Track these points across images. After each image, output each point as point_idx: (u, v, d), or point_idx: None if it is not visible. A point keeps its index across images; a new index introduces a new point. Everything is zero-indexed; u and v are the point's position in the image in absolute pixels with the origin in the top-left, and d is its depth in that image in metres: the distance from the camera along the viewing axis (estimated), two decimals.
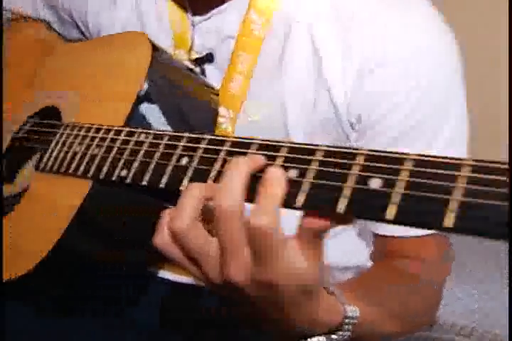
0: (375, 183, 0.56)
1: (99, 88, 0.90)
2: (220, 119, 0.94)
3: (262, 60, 0.93)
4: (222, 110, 0.94)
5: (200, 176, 0.68)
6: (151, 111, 0.85)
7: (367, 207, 0.55)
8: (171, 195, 0.72)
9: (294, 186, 0.60)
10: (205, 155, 0.69)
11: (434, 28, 0.90)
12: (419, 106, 0.88)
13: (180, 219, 0.62)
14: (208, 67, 0.99)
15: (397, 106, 0.88)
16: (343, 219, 0.59)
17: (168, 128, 0.85)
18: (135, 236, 0.86)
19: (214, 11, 0.95)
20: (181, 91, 0.92)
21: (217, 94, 0.95)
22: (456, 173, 0.52)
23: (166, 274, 1.00)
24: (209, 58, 0.98)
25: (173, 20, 1.00)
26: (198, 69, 0.99)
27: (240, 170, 0.61)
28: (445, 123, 0.89)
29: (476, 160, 0.52)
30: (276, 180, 0.60)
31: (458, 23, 0.95)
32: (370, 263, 0.98)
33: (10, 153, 1.01)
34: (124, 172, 0.76)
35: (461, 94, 0.91)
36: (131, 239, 0.86)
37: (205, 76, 0.98)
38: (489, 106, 1.75)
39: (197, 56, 0.98)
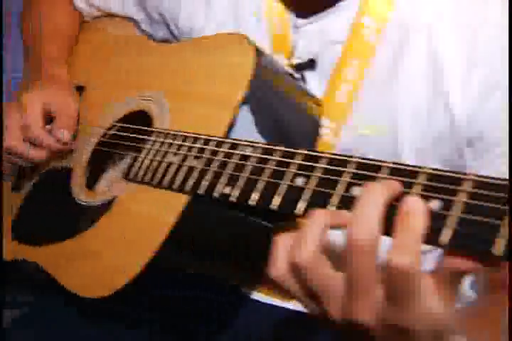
0: None
1: (194, 92, 0.83)
2: (322, 131, 0.86)
3: (373, 69, 0.85)
4: (325, 121, 0.87)
5: (319, 200, 0.61)
6: (242, 119, 0.78)
7: None
8: (275, 215, 0.65)
9: (437, 220, 0.52)
10: (325, 176, 0.61)
11: None
12: None
13: (303, 250, 0.55)
14: (308, 73, 0.91)
15: None
16: (493, 262, 0.51)
17: (259, 138, 0.78)
18: (230, 256, 0.79)
19: (321, 13, 0.88)
20: (281, 99, 0.84)
21: (319, 104, 0.87)
22: None
23: (260, 296, 0.93)
24: (311, 64, 0.90)
25: (273, 21, 0.92)
26: (297, 76, 0.91)
27: (376, 197, 0.53)
28: None
29: None
30: (418, 211, 0.52)
31: None
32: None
33: (92, 158, 0.95)
34: (227, 190, 0.69)
35: None
36: (226, 257, 0.79)
37: (305, 83, 0.91)
38: None
39: (298, 61, 0.91)
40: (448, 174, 0.54)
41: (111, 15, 1.14)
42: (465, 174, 0.53)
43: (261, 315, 0.91)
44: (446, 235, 0.52)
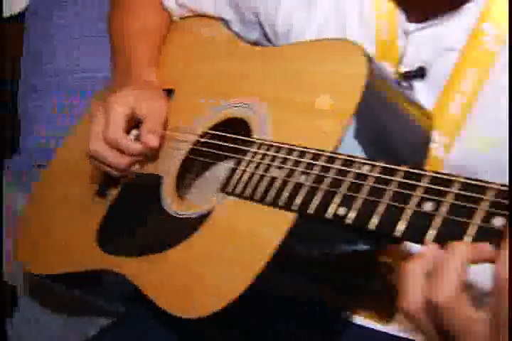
0: None
1: (300, 102, 0.78)
2: (431, 145, 0.80)
3: (492, 79, 0.79)
4: (435, 135, 0.80)
5: (452, 230, 0.55)
6: (354, 132, 0.72)
7: None
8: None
9: None
10: (460, 203, 0.55)
11: None
12: None
13: (445, 287, 0.49)
14: (417, 83, 0.85)
15: None
16: None
17: (360, 151, 0.72)
18: (331, 278, 0.74)
19: (437, 19, 0.81)
20: (389, 111, 0.78)
21: (429, 117, 0.80)
22: None
23: (360, 320, 0.87)
24: (421, 73, 0.84)
25: (381, 25, 0.86)
26: (405, 85, 0.85)
27: None
28: None
29: None
30: None
31: None
32: None
33: (182, 166, 0.90)
34: (342, 211, 0.64)
35: None
36: (328, 279, 0.74)
37: (414, 93, 0.85)
38: None
39: (406, 69, 0.85)
40: None
41: (199, 15, 1.09)
42: None
43: (362, 338, 0.85)
44: None
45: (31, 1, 1.57)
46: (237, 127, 0.85)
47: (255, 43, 1.03)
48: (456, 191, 0.56)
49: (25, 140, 1.48)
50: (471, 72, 0.80)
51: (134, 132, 0.94)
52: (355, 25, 0.89)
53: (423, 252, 0.55)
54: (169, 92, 1.00)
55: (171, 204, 0.85)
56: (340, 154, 0.68)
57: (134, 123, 0.94)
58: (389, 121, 0.77)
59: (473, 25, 0.80)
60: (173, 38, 1.10)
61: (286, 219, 0.68)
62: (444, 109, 0.81)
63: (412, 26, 0.84)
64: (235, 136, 0.84)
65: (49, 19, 1.52)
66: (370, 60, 0.75)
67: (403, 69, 0.85)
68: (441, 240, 0.55)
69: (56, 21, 1.51)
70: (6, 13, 1.60)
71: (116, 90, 0.96)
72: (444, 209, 0.56)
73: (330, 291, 0.77)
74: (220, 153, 0.87)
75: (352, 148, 0.71)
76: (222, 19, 1.05)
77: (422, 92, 0.84)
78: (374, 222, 0.60)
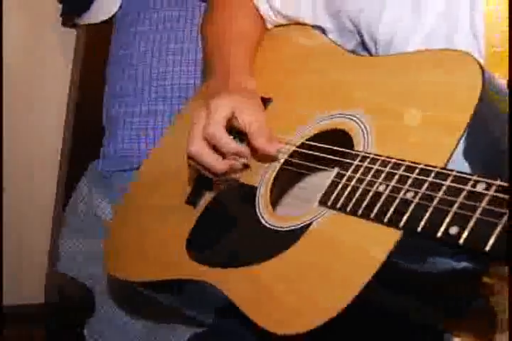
0: None
1: (406, 114, 0.76)
2: None
3: None
4: None
5: None
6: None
7: None
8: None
9: None
10: None
11: None
12: None
13: None
14: None
15: None
16: None
17: (467, 167, 0.69)
18: (433, 298, 0.71)
19: None
20: (501, 124, 0.74)
21: None
22: None
23: None
24: None
25: (494, 36, 0.83)
26: None
27: None
28: None
29: None
30: None
31: None
32: None
33: (277, 177, 0.89)
34: (454, 230, 0.61)
35: None
36: (430, 299, 0.71)
37: None
38: None
39: None
40: None
41: (295, 23, 1.08)
42: None
43: None
44: None
45: (123, 2, 1.58)
46: (338, 139, 0.83)
47: (352, 53, 1.01)
48: None
49: (108, 144, 1.50)
50: None
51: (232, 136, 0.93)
52: (466, 33, 0.86)
53: None
54: (266, 101, 0.99)
55: (266, 215, 0.84)
56: (452, 171, 0.65)
57: (232, 129, 0.93)
58: (501, 135, 0.73)
59: None
60: (268, 46, 1.10)
61: (392, 236, 0.66)
62: None
63: None
64: (335, 147, 0.82)
65: (135, 24, 1.54)
66: (483, 72, 0.72)
67: None
68: None
69: (141, 27, 1.53)
70: (101, 18, 1.64)
71: (217, 94, 0.96)
72: None
73: (432, 311, 0.75)
74: (318, 166, 0.85)
75: (461, 163, 0.68)
76: (319, 27, 1.04)
77: None
78: (490, 243, 0.57)
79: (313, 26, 1.05)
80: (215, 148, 0.91)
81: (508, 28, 0.78)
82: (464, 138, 0.69)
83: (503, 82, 0.82)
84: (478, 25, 0.84)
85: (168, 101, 1.47)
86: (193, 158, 0.93)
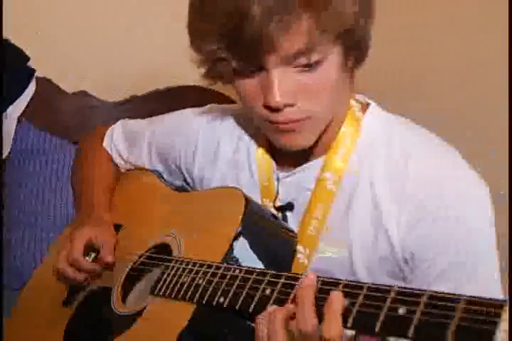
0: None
1: (200, 229, 1.15)
2: (298, 255, 1.16)
3: (333, 210, 1.16)
4: (300, 248, 1.17)
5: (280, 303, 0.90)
6: (242, 247, 1.09)
7: None
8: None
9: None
10: (284, 289, 0.91)
11: (474, 178, 1.12)
12: (462, 250, 1.07)
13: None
14: (288, 213, 1.22)
15: (445, 249, 1.08)
16: None
17: (256, 260, 1.08)
18: None
19: (297, 169, 1.21)
20: (268, 234, 1.15)
21: (296, 236, 1.17)
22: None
23: None
24: (290, 206, 1.22)
25: (262, 174, 1.26)
26: (280, 215, 1.22)
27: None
28: (480, 265, 1.08)
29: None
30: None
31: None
32: None
33: (127, 278, 1.25)
34: (221, 299, 0.99)
35: (493, 241, 1.11)
36: None
37: (287, 221, 1.22)
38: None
39: (280, 204, 1.23)
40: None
41: (139, 168, 1.50)
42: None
43: None
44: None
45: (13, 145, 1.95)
46: (165, 249, 1.21)
47: (182, 187, 1.42)
48: (283, 281, 0.92)
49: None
50: (320, 206, 1.17)
51: (92, 254, 1.30)
52: (247, 175, 1.28)
53: None
54: (119, 226, 1.37)
55: (117, 306, 1.20)
56: (222, 263, 1.04)
57: (91, 249, 1.30)
58: (268, 240, 1.14)
59: (318, 174, 1.19)
60: (122, 185, 1.51)
61: (190, 309, 1.03)
62: (304, 231, 1.18)
63: (281, 174, 1.23)
64: (158, 255, 1.20)
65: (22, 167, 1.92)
66: (247, 200, 1.13)
67: (278, 204, 1.23)
68: None
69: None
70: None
71: (81, 225, 1.34)
72: (275, 291, 0.91)
73: None
74: (151, 268, 1.22)
75: (250, 258, 1.07)
76: (156, 170, 1.46)
77: (292, 219, 1.21)
78: (238, 304, 0.95)
79: (152, 170, 1.47)
80: (75, 267, 1.29)
81: None
82: (245, 239, 1.08)
83: (270, 205, 1.23)
84: (253, 167, 1.27)
85: (54, 230, 1.85)
86: (60, 273, 1.30)
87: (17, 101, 1.91)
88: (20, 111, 1.92)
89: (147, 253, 1.25)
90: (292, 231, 1.18)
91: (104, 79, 2.07)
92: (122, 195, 1.47)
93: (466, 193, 1.10)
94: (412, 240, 1.10)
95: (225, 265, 1.03)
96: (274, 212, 1.22)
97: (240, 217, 1.10)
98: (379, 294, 0.80)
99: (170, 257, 1.16)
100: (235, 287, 0.98)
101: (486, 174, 1.15)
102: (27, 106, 1.93)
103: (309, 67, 1.03)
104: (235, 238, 1.08)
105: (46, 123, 1.95)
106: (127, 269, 1.26)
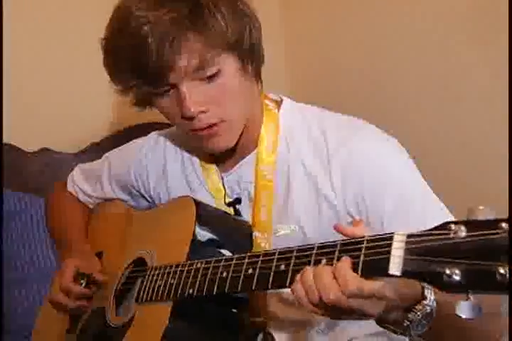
0: None
1: (165, 239, 1.30)
2: (258, 241, 1.30)
3: (277, 195, 1.30)
4: (257, 234, 1.30)
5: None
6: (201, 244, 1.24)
7: None
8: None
9: None
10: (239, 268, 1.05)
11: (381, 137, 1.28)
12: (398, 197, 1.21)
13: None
14: (239, 206, 1.36)
15: (383, 196, 1.22)
16: None
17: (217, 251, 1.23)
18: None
19: (235, 168, 1.36)
20: (223, 227, 1.29)
21: (249, 225, 1.31)
22: None
23: None
24: (238, 201, 1.36)
25: (209, 179, 1.40)
26: (232, 210, 1.36)
27: None
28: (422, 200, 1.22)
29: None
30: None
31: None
32: None
33: (117, 293, 1.39)
34: (191, 291, 1.13)
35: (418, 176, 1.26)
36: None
37: (240, 214, 1.36)
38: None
39: (229, 200, 1.37)
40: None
41: (107, 199, 1.65)
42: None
43: None
44: None
45: None
46: (141, 263, 1.35)
47: (149, 206, 1.57)
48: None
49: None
50: (263, 194, 1.31)
51: (83, 280, 1.44)
52: (196, 183, 1.42)
53: None
54: (100, 253, 1.52)
55: (111, 319, 1.33)
56: (186, 262, 1.17)
57: (80, 277, 1.44)
58: (226, 231, 1.28)
59: (255, 166, 1.33)
60: (95, 216, 1.66)
61: (168, 307, 1.17)
62: (257, 218, 1.31)
63: (224, 174, 1.38)
64: (138, 268, 1.34)
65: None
66: (197, 203, 1.27)
67: (227, 200, 1.37)
68: None
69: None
70: None
71: (67, 258, 1.49)
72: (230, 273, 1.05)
73: None
74: (133, 280, 1.36)
75: (213, 251, 1.21)
76: (121, 199, 1.61)
77: (244, 211, 1.35)
78: (206, 291, 1.09)
79: (119, 199, 1.62)
80: (69, 294, 1.42)
81: None
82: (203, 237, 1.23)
83: (221, 202, 1.37)
84: (200, 174, 1.41)
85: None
86: (55, 303, 1.45)
87: None
88: None
89: (128, 269, 1.39)
90: (244, 221, 1.32)
91: (60, 133, 2.15)
92: (97, 225, 1.63)
93: (376, 146, 1.25)
94: (350, 200, 1.24)
95: (188, 262, 1.17)
96: (227, 208, 1.36)
97: (194, 219, 1.24)
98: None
99: (145, 267, 1.30)
100: (199, 277, 1.12)
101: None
102: None
103: (210, 78, 1.18)
104: (193, 239, 1.22)
105: (19, 185, 2.01)
106: (115, 286, 1.40)
